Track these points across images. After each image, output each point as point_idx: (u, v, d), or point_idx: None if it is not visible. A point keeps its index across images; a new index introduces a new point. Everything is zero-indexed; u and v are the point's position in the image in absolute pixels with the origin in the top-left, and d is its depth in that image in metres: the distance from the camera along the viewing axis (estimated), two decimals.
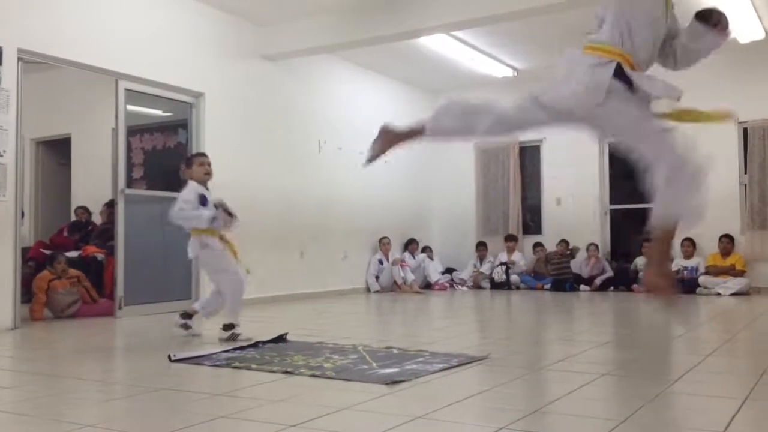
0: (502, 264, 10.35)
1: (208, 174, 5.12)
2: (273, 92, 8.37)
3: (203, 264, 5.12)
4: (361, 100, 9.92)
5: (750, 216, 9.16)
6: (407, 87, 10.96)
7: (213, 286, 5.19)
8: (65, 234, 8.41)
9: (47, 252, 7.39)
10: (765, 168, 9.13)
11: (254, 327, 5.25)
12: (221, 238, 5.01)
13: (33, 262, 7.47)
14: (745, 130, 9.29)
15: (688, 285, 8.96)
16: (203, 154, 5.33)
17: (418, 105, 11.23)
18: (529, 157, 10.98)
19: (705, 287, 8.84)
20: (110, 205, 7.67)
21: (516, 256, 10.37)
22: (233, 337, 4.82)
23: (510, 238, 10.52)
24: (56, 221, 9.26)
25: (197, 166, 5.11)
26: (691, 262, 9.19)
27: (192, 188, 5.01)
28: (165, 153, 7.57)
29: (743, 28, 7.92)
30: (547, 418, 2.69)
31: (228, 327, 4.90)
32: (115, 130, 6.84)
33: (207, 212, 4.89)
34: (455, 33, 8.30)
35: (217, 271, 5.03)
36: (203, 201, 4.99)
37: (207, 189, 5.11)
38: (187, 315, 5.09)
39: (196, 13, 7.38)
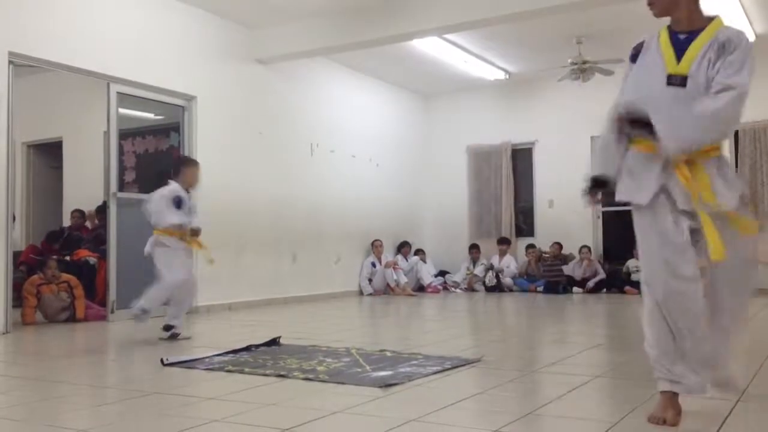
0: (492, 268, 10.37)
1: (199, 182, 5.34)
2: (265, 95, 8.36)
3: (156, 260, 5.12)
4: (353, 103, 9.93)
5: None
6: (400, 90, 10.98)
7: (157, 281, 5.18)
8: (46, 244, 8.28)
9: (38, 258, 7.35)
10: (756, 170, 9.18)
11: (247, 331, 5.24)
12: (182, 237, 5.11)
13: (24, 266, 7.44)
14: (736, 132, 9.33)
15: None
16: (197, 162, 5.52)
17: (410, 108, 11.27)
18: (522, 159, 11.00)
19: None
20: (102, 209, 7.64)
21: (507, 260, 10.38)
22: (174, 337, 5.00)
23: (503, 242, 10.54)
24: (48, 225, 9.22)
25: (196, 172, 5.26)
26: None
27: (172, 188, 5.14)
28: (157, 156, 7.55)
29: None
30: (541, 420, 2.69)
31: (168, 327, 5.07)
32: (106, 134, 6.82)
33: (176, 217, 5.05)
34: (448, 36, 8.32)
35: (166, 267, 5.07)
36: (178, 203, 5.10)
37: (188, 192, 5.24)
38: (168, 326, 5.12)
39: (188, 16, 7.37)
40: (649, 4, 2.81)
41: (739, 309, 2.74)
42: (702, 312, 2.60)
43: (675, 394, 2.62)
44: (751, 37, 8.13)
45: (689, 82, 2.63)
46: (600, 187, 2.85)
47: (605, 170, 2.83)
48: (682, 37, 2.72)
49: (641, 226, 2.73)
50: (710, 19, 2.75)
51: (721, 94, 2.52)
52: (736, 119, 2.59)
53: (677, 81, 2.66)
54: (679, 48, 2.70)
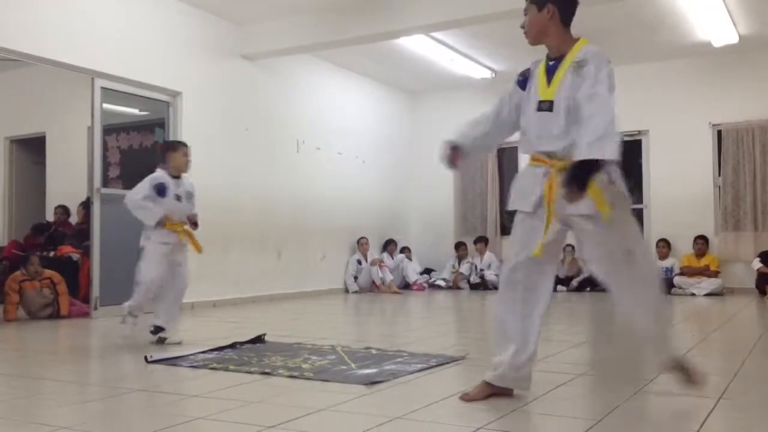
0: (474, 266, 10.41)
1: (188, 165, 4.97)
2: (251, 92, 8.33)
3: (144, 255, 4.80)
4: (340, 100, 9.91)
5: (724, 217, 9.28)
6: (386, 87, 10.97)
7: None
8: (30, 236, 8.23)
9: (20, 253, 7.29)
10: (738, 170, 9.27)
11: (232, 328, 5.22)
12: (175, 229, 4.79)
13: (6, 262, 7.38)
14: (719, 132, 9.42)
15: (663, 285, 9.08)
16: (184, 144, 5.09)
17: (396, 106, 11.28)
18: (507, 158, 11.03)
19: (679, 288, 8.96)
20: (86, 205, 7.58)
21: (488, 257, 10.42)
22: (161, 341, 4.71)
23: (479, 240, 10.56)
24: (31, 221, 9.14)
25: (182, 156, 4.90)
26: (666, 263, 9.30)
27: (155, 176, 4.81)
28: (141, 152, 7.50)
29: (717, 32, 8.04)
30: (524, 418, 2.70)
31: (157, 329, 4.76)
32: (90, 129, 6.77)
33: (155, 213, 4.70)
34: (434, 34, 8.32)
35: (144, 263, 4.76)
36: (160, 190, 4.76)
37: (177, 178, 4.90)
38: (157, 328, 4.80)
39: (174, 11, 7.32)
40: (525, 33, 3.02)
41: None
42: None
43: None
44: (734, 39, 8.24)
45: (554, 106, 2.82)
46: (455, 150, 3.10)
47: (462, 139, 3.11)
48: (551, 63, 2.93)
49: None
50: (575, 41, 2.92)
51: (591, 119, 2.63)
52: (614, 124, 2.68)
53: (545, 106, 2.86)
54: (550, 74, 2.90)
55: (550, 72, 2.90)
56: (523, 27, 3.00)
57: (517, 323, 2.96)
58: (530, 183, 2.89)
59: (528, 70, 3.03)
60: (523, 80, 3.03)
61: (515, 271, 2.97)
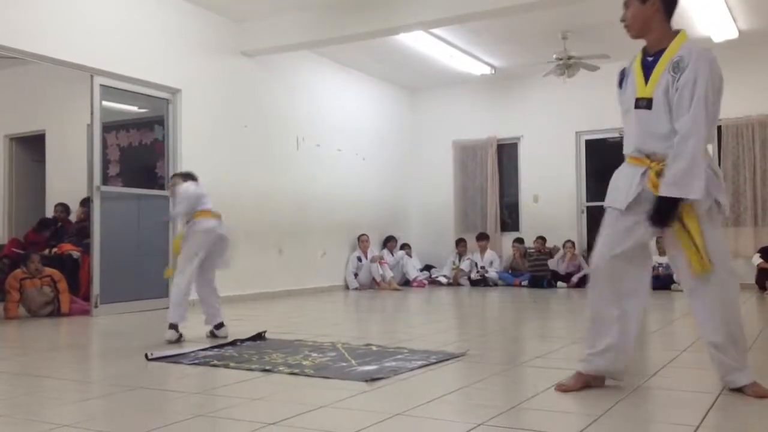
0: (474, 263, 10.42)
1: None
2: (251, 89, 8.32)
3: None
4: (339, 97, 9.91)
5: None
6: (386, 84, 10.97)
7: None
8: (33, 232, 8.25)
9: (20, 251, 7.29)
10: (738, 166, 9.27)
11: (233, 325, 5.22)
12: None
13: (7, 260, 7.37)
14: (719, 128, 9.42)
15: (663, 281, 9.07)
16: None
17: (396, 102, 11.27)
18: (507, 154, 11.03)
19: (680, 284, 8.94)
20: (86, 203, 7.58)
21: (489, 255, 10.42)
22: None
23: (481, 237, 10.57)
24: (31, 219, 9.13)
25: None
26: (665, 259, 9.29)
27: None
28: (141, 150, 7.50)
29: (717, 27, 8.03)
30: (525, 413, 2.71)
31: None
32: (90, 127, 6.76)
33: None
34: (434, 30, 8.31)
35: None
36: None
37: None
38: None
39: (173, 8, 7.32)
40: (626, 27, 2.93)
41: None
42: None
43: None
44: (734, 34, 8.22)
45: (654, 104, 2.75)
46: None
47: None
48: (650, 59, 2.84)
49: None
50: (675, 35, 2.82)
51: (679, 148, 2.68)
52: (703, 150, 2.76)
53: (643, 104, 2.78)
54: (648, 70, 2.82)
55: (648, 68, 2.82)
56: (623, 21, 2.91)
57: (613, 319, 2.93)
58: (628, 182, 2.84)
59: (624, 68, 2.97)
60: (622, 78, 2.96)
61: (600, 269, 2.94)
